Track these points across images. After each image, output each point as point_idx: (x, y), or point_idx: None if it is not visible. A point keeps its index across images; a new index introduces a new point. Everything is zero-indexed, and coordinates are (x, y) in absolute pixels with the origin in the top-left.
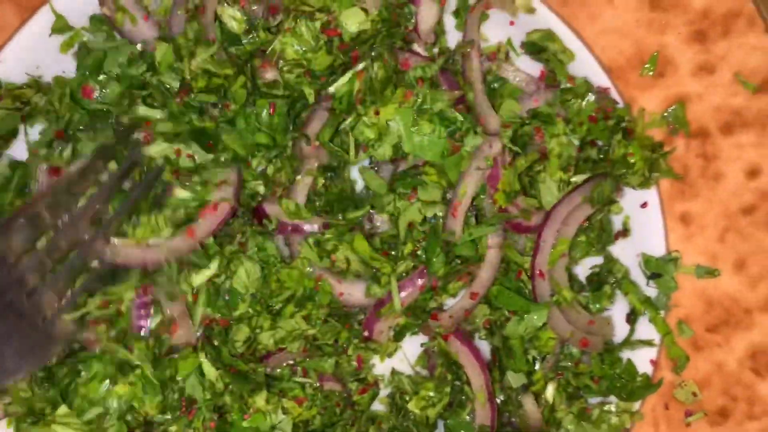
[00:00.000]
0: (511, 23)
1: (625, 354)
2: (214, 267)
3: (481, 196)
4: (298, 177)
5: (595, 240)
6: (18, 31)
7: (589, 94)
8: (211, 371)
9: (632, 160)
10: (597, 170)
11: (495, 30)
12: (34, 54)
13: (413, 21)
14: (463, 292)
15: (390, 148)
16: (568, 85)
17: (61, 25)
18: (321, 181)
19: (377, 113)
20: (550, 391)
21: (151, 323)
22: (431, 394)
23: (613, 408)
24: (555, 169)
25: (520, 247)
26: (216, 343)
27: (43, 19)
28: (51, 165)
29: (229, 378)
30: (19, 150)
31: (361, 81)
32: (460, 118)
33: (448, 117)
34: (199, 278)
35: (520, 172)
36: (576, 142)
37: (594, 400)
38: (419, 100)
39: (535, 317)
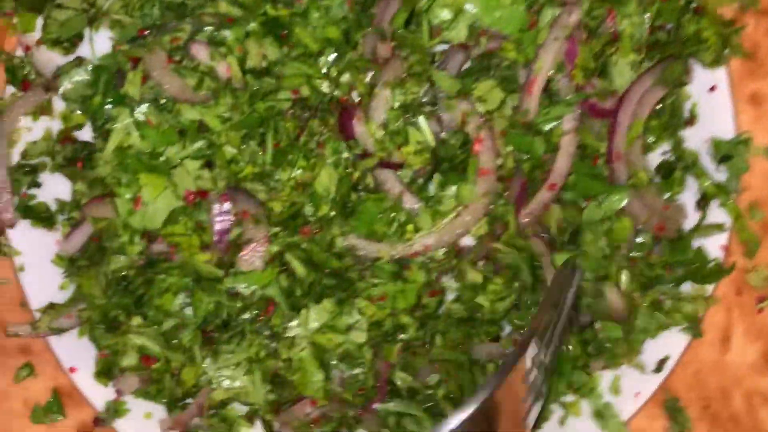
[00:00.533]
0: None
1: (696, 242)
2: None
3: (558, 76)
4: (376, 89)
5: (666, 123)
6: None
7: None
8: (300, 268)
9: (705, 35)
10: (667, 51)
11: None
12: None
13: None
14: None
15: (465, 29)
16: None
17: None
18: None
19: None
20: (624, 280)
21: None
22: (500, 288)
23: (685, 296)
24: (627, 50)
25: (594, 132)
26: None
27: None
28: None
29: (319, 275)
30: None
31: None
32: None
33: None
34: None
35: (595, 53)
36: (647, 21)
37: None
38: None
39: (615, 198)
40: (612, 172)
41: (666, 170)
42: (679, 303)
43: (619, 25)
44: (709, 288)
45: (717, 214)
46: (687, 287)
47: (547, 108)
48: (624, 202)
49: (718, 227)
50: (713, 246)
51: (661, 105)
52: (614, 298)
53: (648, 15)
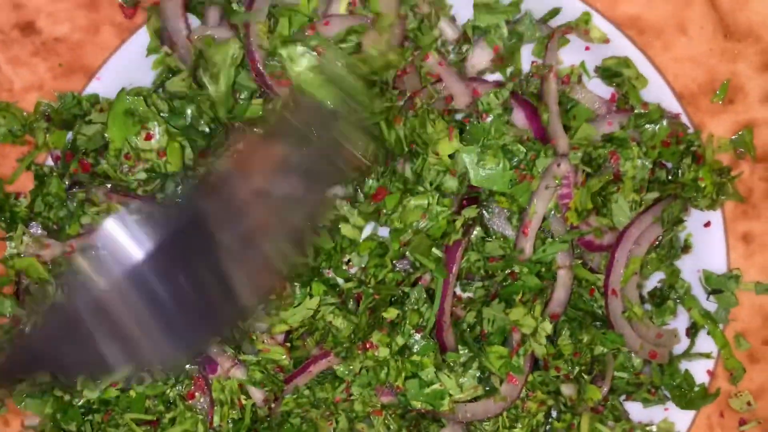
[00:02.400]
0: (587, 48)
1: (683, 365)
2: None
3: (554, 214)
4: None
5: (663, 257)
6: (117, 51)
7: (662, 119)
8: None
9: (702, 184)
10: (666, 191)
11: (569, 54)
12: (128, 72)
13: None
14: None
15: (457, 181)
16: (641, 109)
17: (155, 46)
18: None
19: (437, 153)
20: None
21: None
22: None
23: (654, 429)
24: (629, 190)
25: (594, 264)
26: None
27: (138, 41)
28: None
29: None
30: None
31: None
32: (524, 149)
33: (513, 150)
34: None
35: (594, 192)
36: (649, 165)
37: (638, 420)
38: (485, 137)
39: (610, 341)
40: (607, 305)
41: (659, 298)
42: None
43: (621, 167)
44: (680, 421)
45: (704, 339)
46: (660, 417)
47: (543, 246)
48: (620, 344)
49: (706, 355)
50: (699, 370)
51: (658, 242)
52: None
53: (650, 160)
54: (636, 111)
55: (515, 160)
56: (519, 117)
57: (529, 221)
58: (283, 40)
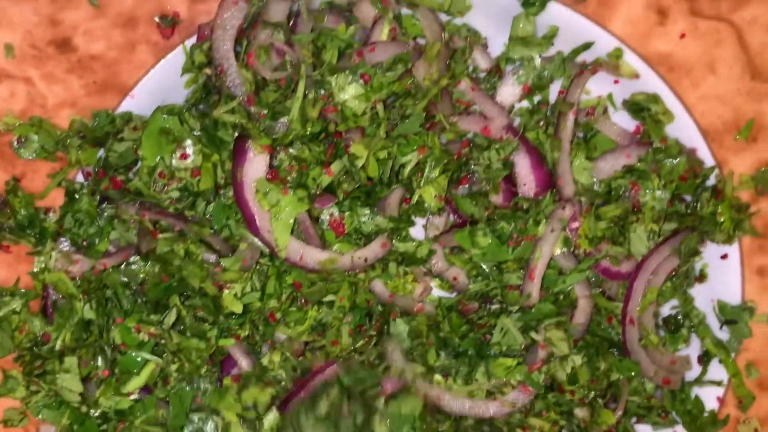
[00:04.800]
0: (616, 82)
1: (694, 390)
2: None
3: (563, 251)
4: None
5: (678, 286)
6: (152, 69)
7: (681, 154)
8: None
9: (721, 219)
10: (684, 223)
11: (597, 84)
12: (162, 91)
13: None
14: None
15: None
16: (659, 144)
17: (189, 66)
18: None
19: None
20: None
21: None
22: None
23: None
24: (648, 220)
25: (612, 292)
26: None
27: (174, 60)
28: None
29: None
30: None
31: None
32: (510, 227)
33: (499, 229)
34: None
35: (611, 221)
36: (667, 197)
37: None
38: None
39: (627, 368)
40: (625, 333)
41: (673, 325)
42: None
43: (641, 197)
44: None
45: (716, 367)
46: None
47: (562, 277)
48: (636, 372)
49: (717, 383)
50: (709, 396)
51: (675, 273)
52: None
53: (668, 192)
54: (655, 146)
55: (504, 235)
56: (523, 164)
57: (535, 266)
58: (332, 69)
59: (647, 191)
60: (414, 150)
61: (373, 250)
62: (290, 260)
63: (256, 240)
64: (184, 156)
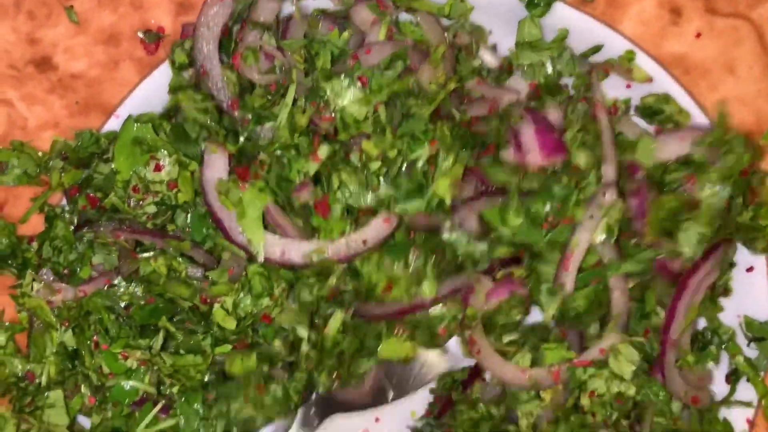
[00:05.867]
0: (628, 86)
1: (723, 412)
2: None
3: (606, 240)
4: None
5: (708, 300)
6: (137, 87)
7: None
8: None
9: (764, 223)
10: (721, 236)
11: (609, 89)
12: (148, 108)
13: None
14: None
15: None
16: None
17: (176, 83)
18: None
19: None
20: None
21: None
22: None
23: None
24: (705, 218)
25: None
26: None
27: (159, 76)
28: None
29: None
30: None
31: None
32: (546, 206)
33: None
34: None
35: (668, 209)
36: (727, 194)
37: None
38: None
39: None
40: (664, 354)
41: (701, 342)
42: None
43: (699, 191)
44: None
45: (744, 387)
46: None
47: (617, 263)
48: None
49: (747, 404)
50: (738, 418)
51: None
52: None
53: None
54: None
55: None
56: (527, 131)
57: (571, 254)
58: (326, 74)
59: (706, 185)
60: (425, 145)
61: (375, 228)
62: (271, 259)
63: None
64: (158, 168)
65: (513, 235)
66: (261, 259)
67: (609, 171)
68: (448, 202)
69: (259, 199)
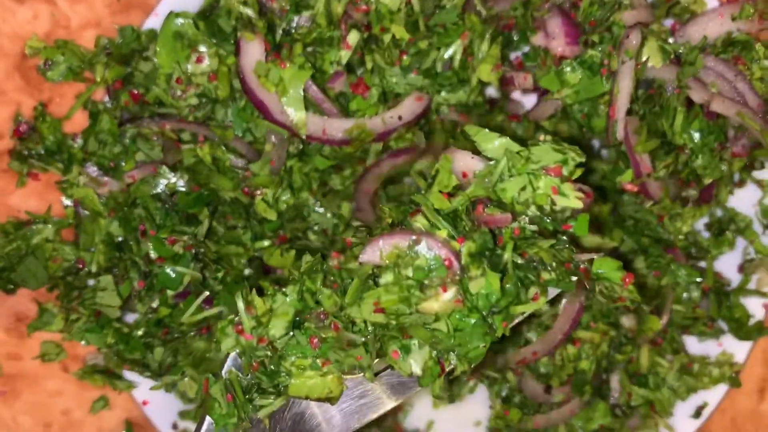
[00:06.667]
0: None
1: (739, 300)
2: None
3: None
4: None
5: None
6: None
7: None
8: None
9: None
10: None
11: None
12: (185, 7)
13: None
14: None
15: None
16: None
17: None
18: None
19: None
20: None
21: None
22: None
23: (713, 360)
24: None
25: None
26: None
27: None
28: None
29: None
30: None
31: None
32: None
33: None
34: None
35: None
36: None
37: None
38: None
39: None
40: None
41: (717, 229)
42: (706, 367)
43: (749, 71)
44: (737, 354)
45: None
46: (714, 352)
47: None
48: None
49: (762, 293)
50: (755, 305)
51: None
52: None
53: None
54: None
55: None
56: (554, 23)
57: (615, 101)
58: None
59: (754, 63)
60: (457, 38)
61: (408, 106)
62: (313, 137)
63: (278, 136)
64: (199, 59)
65: (576, 94)
66: (304, 135)
67: (628, 14)
68: (494, 84)
69: (300, 76)
